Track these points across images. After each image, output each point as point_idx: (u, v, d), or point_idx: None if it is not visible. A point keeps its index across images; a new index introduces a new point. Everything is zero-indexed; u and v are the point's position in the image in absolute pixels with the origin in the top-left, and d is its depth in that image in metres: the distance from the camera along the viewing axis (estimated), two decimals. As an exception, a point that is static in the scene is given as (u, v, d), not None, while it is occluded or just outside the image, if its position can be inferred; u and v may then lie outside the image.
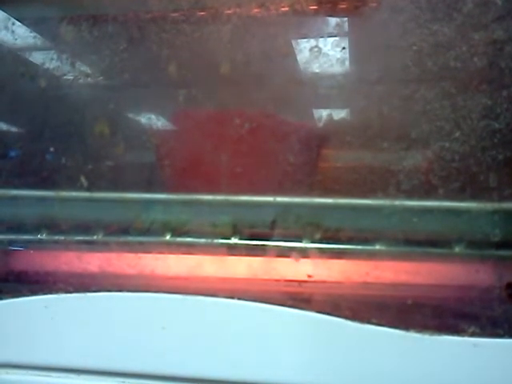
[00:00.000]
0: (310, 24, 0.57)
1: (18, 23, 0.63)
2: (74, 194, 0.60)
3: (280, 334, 0.46)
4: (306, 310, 0.46)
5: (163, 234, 0.58)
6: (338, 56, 0.55)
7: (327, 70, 0.56)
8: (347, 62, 0.56)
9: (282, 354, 0.46)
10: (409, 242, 0.53)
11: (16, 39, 0.63)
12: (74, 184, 0.59)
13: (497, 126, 0.50)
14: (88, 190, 0.59)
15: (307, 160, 0.57)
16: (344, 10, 0.56)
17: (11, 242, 0.64)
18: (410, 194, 0.51)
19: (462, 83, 0.52)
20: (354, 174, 0.54)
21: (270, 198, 0.56)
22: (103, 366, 0.49)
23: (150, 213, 0.59)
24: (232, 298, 0.47)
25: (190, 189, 0.58)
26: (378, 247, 0.54)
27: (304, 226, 0.55)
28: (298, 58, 0.57)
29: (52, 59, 0.61)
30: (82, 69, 0.62)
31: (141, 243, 0.59)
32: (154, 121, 0.63)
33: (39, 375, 0.50)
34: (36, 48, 0.64)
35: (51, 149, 0.61)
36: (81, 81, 0.61)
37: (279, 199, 0.55)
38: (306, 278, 0.55)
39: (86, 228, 0.60)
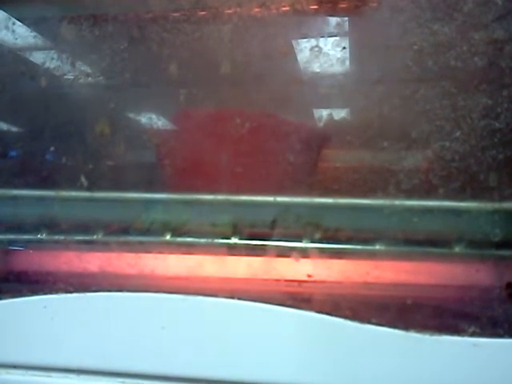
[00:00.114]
0: (311, 24, 0.57)
1: (18, 23, 0.63)
2: (74, 193, 0.60)
3: (280, 334, 0.46)
4: (305, 310, 0.46)
5: (163, 234, 0.58)
6: (339, 56, 0.55)
7: (327, 70, 0.56)
8: (347, 62, 0.56)
9: (281, 354, 0.46)
10: (409, 241, 0.53)
11: (16, 39, 0.63)
12: (74, 184, 0.59)
13: (497, 125, 0.50)
14: (88, 189, 0.59)
15: (307, 160, 0.57)
16: (344, 9, 0.56)
17: (11, 242, 0.64)
18: (410, 194, 0.51)
19: (463, 83, 0.51)
20: (354, 174, 0.54)
21: (270, 198, 0.56)
22: (103, 366, 0.49)
23: (150, 212, 0.59)
24: (232, 297, 0.47)
25: (191, 188, 0.58)
26: (378, 247, 0.54)
27: (304, 225, 0.55)
28: (299, 57, 0.57)
29: (52, 59, 0.61)
30: (82, 68, 0.62)
31: (141, 243, 0.59)
32: (154, 120, 0.63)
33: (39, 375, 0.50)
34: (36, 48, 0.64)
35: (51, 148, 0.61)
36: (81, 80, 0.61)
37: (279, 199, 0.55)
38: (305, 278, 0.55)
39: (86, 228, 0.60)
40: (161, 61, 0.60)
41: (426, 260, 0.55)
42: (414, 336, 0.44)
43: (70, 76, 0.61)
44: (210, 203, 0.57)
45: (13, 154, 0.65)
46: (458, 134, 0.51)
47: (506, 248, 0.50)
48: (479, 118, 0.51)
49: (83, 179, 0.59)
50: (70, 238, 0.60)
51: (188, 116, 0.62)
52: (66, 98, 0.63)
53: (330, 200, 0.54)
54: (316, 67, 0.56)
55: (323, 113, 0.56)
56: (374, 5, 0.55)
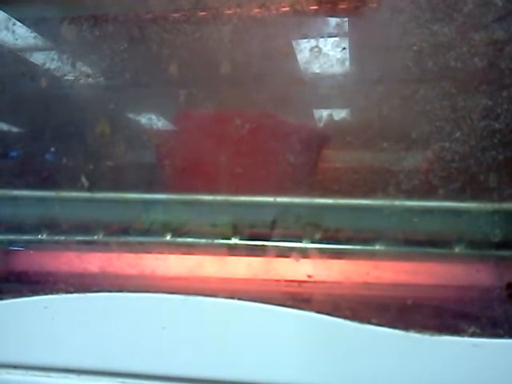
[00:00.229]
0: (311, 24, 0.57)
1: (18, 23, 0.63)
2: (75, 194, 0.60)
3: (280, 334, 0.46)
4: (305, 310, 0.46)
5: (163, 234, 0.58)
6: (339, 56, 0.55)
7: (327, 71, 0.56)
8: (347, 63, 0.56)
9: (281, 354, 0.46)
10: (409, 242, 0.53)
11: (17, 39, 0.63)
12: (74, 184, 0.59)
13: (497, 126, 0.50)
14: (88, 190, 0.59)
15: (307, 160, 0.57)
16: (344, 10, 0.56)
17: (12, 242, 0.64)
18: (410, 194, 0.51)
19: (463, 83, 0.52)
20: (354, 175, 0.54)
21: (270, 199, 0.56)
22: (103, 366, 0.49)
23: (150, 213, 0.59)
24: (232, 298, 0.47)
25: (191, 189, 0.58)
26: (377, 247, 0.54)
27: (304, 226, 0.55)
28: (299, 58, 0.57)
29: (53, 59, 0.61)
30: (82, 69, 0.62)
31: (141, 243, 0.59)
32: (154, 121, 0.63)
33: (39, 375, 0.50)
34: (37, 48, 0.64)
35: (52, 149, 0.62)
36: (81, 81, 0.61)
37: (279, 199, 0.55)
38: (305, 278, 0.55)
39: (86, 228, 0.60)
40: (161, 61, 0.60)
41: (426, 260, 0.55)
42: (413, 336, 0.44)
43: (70, 76, 0.61)
44: (210, 204, 0.57)
45: (13, 154, 0.65)
46: (457, 134, 0.51)
47: (506, 248, 0.50)
48: (479, 119, 0.51)
49: (83, 180, 0.59)
50: (70, 238, 0.60)
51: (188, 116, 0.62)
52: (67, 99, 0.63)
53: (330, 200, 0.54)
54: (316, 68, 0.56)
55: (323, 113, 0.56)
56: (374, 5, 0.55)
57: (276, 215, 0.55)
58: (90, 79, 0.62)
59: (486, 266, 0.53)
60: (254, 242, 0.56)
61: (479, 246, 0.52)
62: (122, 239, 0.59)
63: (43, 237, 0.61)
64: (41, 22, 0.65)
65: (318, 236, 0.55)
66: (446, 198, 0.51)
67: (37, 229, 0.61)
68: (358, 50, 0.57)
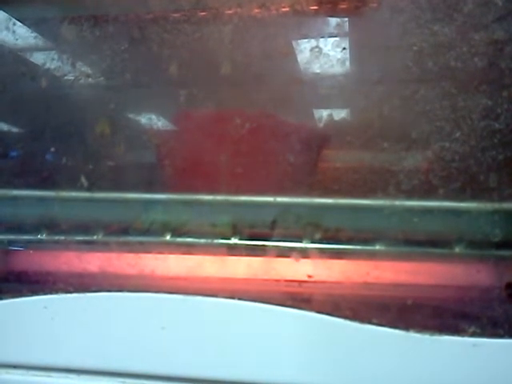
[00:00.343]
0: (311, 24, 0.57)
1: (18, 23, 0.63)
2: (75, 194, 0.60)
3: (280, 334, 0.46)
4: (306, 310, 0.46)
5: (163, 234, 0.58)
6: (339, 56, 0.55)
7: (328, 71, 0.56)
8: (348, 63, 0.56)
9: (282, 354, 0.46)
10: (409, 242, 0.53)
11: (17, 39, 0.63)
12: (74, 184, 0.59)
13: (497, 126, 0.50)
14: (88, 190, 0.59)
15: (307, 160, 0.57)
16: (344, 10, 0.56)
17: (11, 242, 0.64)
18: (410, 194, 0.51)
19: (463, 83, 0.52)
20: (354, 174, 0.54)
21: (270, 198, 0.56)
22: (103, 366, 0.49)
23: (150, 213, 0.59)
24: (232, 298, 0.47)
25: (190, 189, 0.58)
26: (378, 247, 0.54)
27: (304, 226, 0.55)
28: (299, 58, 0.57)
29: (53, 59, 0.61)
30: (82, 69, 0.62)
31: (141, 243, 0.59)
32: (154, 121, 0.63)
33: (39, 375, 0.50)
34: (37, 48, 0.64)
35: (52, 149, 0.62)
36: (82, 81, 0.61)
37: (279, 199, 0.55)
38: (306, 278, 0.55)
39: (86, 228, 0.60)
40: (161, 61, 0.60)
41: (426, 260, 0.55)
42: (414, 336, 0.44)
43: (70, 76, 0.61)
44: (210, 203, 0.57)
45: (13, 154, 0.65)
46: (457, 134, 0.51)
47: (505, 248, 0.50)
48: (479, 119, 0.51)
49: (83, 179, 0.59)
50: (70, 238, 0.60)
51: (188, 116, 0.62)
52: (67, 99, 0.63)
53: (330, 200, 0.54)
54: (316, 68, 0.56)
55: (323, 113, 0.56)
56: (374, 5, 0.56)
57: (276, 215, 0.55)
58: (90, 79, 0.62)
59: (486, 266, 0.53)
60: (253, 242, 0.56)
61: (479, 246, 0.52)
62: (122, 239, 0.59)
63: (43, 237, 0.61)
64: (41, 22, 0.65)
65: (318, 236, 0.55)
66: (446, 197, 0.51)
67: (36, 229, 0.61)
68: (359, 50, 0.57)
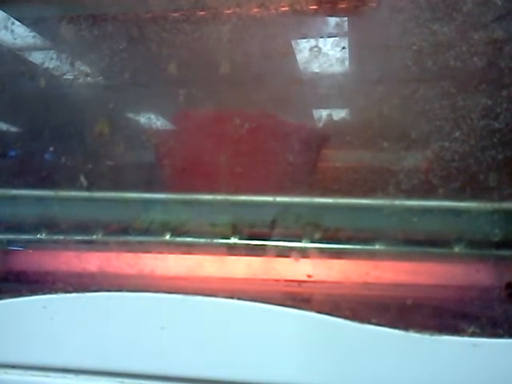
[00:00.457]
0: (310, 24, 0.57)
1: (17, 23, 0.63)
2: (74, 193, 0.60)
3: (280, 334, 0.46)
4: (305, 310, 0.46)
5: (163, 234, 0.58)
6: (338, 56, 0.55)
7: (327, 70, 0.56)
8: (347, 62, 0.56)
9: (281, 354, 0.46)
10: (409, 241, 0.53)
11: (16, 39, 0.63)
12: (73, 184, 0.59)
13: (496, 125, 0.50)
14: (87, 189, 0.59)
15: (307, 160, 0.57)
16: (344, 9, 0.56)
17: (10, 242, 0.64)
18: (409, 194, 0.51)
19: (462, 83, 0.52)
20: (353, 174, 0.54)
21: (269, 198, 0.56)
22: (102, 366, 0.49)
23: (149, 212, 0.59)
24: (231, 297, 0.47)
25: (190, 189, 0.58)
26: (377, 247, 0.54)
27: (304, 225, 0.55)
28: (298, 57, 0.57)
29: (52, 59, 0.61)
30: (81, 68, 0.61)
31: (140, 243, 0.59)
32: (153, 120, 0.62)
33: (38, 375, 0.50)
34: (36, 48, 0.64)
35: (51, 148, 0.61)
36: (80, 80, 0.61)
37: (279, 199, 0.55)
38: (305, 278, 0.55)
39: (85, 228, 0.60)
40: (160, 61, 0.60)
41: (426, 260, 0.55)
42: (413, 336, 0.44)
43: (69, 76, 0.61)
44: (210, 203, 0.57)
45: (12, 153, 0.65)
46: (457, 134, 0.51)
47: (505, 248, 0.50)
48: (479, 118, 0.51)
49: (82, 179, 0.59)
50: (69, 237, 0.60)
51: (187, 116, 0.62)
52: (66, 98, 0.63)
53: (329, 200, 0.54)
54: (315, 67, 0.56)
55: (323, 113, 0.56)
56: (374, 5, 0.55)
57: (276, 215, 0.55)
58: (89, 79, 0.62)
59: (486, 266, 0.53)
60: (253, 242, 0.56)
61: (479, 246, 0.52)
62: (121, 239, 0.59)
63: (42, 236, 0.61)
64: (40, 21, 0.65)
65: (317, 236, 0.55)
66: (446, 197, 0.51)
67: (36, 228, 0.61)
68: (358, 50, 0.57)
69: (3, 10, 0.63)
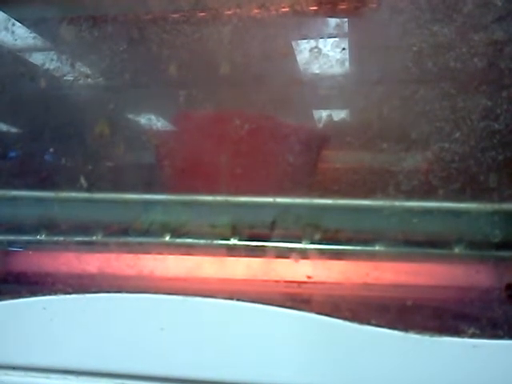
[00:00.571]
0: (310, 25, 0.57)
1: (17, 24, 0.63)
2: (74, 194, 0.60)
3: (279, 335, 0.46)
4: (305, 311, 0.46)
5: (162, 235, 0.58)
6: (338, 57, 0.55)
7: (327, 71, 0.56)
8: (347, 63, 0.56)
9: (281, 355, 0.46)
10: (409, 242, 0.53)
11: (16, 40, 0.63)
12: (73, 185, 0.59)
13: (496, 126, 0.50)
14: (87, 190, 0.59)
15: (307, 161, 0.57)
16: (344, 10, 0.56)
17: (10, 243, 0.64)
18: (409, 195, 0.51)
19: (462, 84, 0.51)
20: (353, 175, 0.54)
21: (269, 199, 0.56)
22: (102, 367, 0.49)
23: (149, 213, 0.59)
24: (231, 299, 0.47)
25: (190, 190, 0.58)
26: (377, 248, 0.54)
27: (304, 226, 0.55)
28: (298, 58, 0.57)
29: (52, 60, 0.61)
30: (82, 69, 0.61)
31: (140, 244, 0.59)
32: (153, 121, 0.63)
33: (38, 377, 0.50)
34: (36, 49, 0.64)
35: (51, 149, 0.61)
36: (81, 81, 0.61)
37: (279, 200, 0.55)
38: (305, 279, 0.55)
39: (85, 229, 0.60)
40: (160, 62, 0.60)
41: (426, 261, 0.55)
42: (413, 337, 0.43)
43: (69, 77, 0.61)
44: (210, 204, 0.57)
45: (12, 154, 0.65)
46: (457, 135, 0.51)
47: (505, 249, 0.50)
48: (479, 119, 0.51)
49: (83, 180, 0.59)
50: (69, 238, 0.60)
51: (187, 117, 0.62)
52: (66, 99, 0.63)
53: (329, 201, 0.54)
54: (315, 68, 0.56)
55: (323, 114, 0.56)
56: (374, 6, 0.55)
57: (275, 216, 0.55)
58: (89, 80, 0.62)
59: (486, 267, 0.53)
60: (253, 243, 0.56)
61: (479, 247, 0.52)
62: (121, 240, 0.59)
63: (42, 237, 0.61)
64: (40, 22, 0.65)
65: (317, 237, 0.55)
66: (446, 198, 0.51)
67: (36, 229, 0.61)
68: (358, 51, 0.57)
69: (4, 11, 0.64)
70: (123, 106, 0.63)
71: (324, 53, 0.55)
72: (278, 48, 0.57)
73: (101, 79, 0.63)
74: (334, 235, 0.54)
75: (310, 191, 0.55)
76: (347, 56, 0.55)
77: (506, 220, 0.50)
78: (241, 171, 0.57)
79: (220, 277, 0.58)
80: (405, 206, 0.52)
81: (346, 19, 0.57)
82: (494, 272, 0.53)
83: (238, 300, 0.47)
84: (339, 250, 0.55)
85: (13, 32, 0.63)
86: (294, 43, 0.57)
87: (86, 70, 0.62)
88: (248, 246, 0.56)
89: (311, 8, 0.57)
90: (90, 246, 0.60)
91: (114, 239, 0.59)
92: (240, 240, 0.56)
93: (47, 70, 0.62)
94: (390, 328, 0.44)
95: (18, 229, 0.62)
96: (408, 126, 0.53)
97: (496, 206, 0.50)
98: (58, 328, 0.50)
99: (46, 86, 0.62)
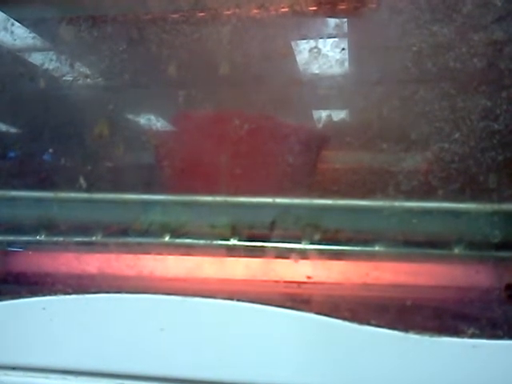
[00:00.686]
0: (310, 25, 0.57)
1: (17, 24, 0.63)
2: (73, 194, 0.60)
3: (279, 336, 0.46)
4: (305, 312, 0.46)
5: (162, 235, 0.58)
6: (338, 57, 0.55)
7: (327, 71, 0.56)
8: (346, 63, 0.56)
9: (280, 356, 0.46)
10: (408, 243, 0.53)
11: (15, 40, 0.63)
12: (72, 185, 0.59)
13: (496, 127, 0.50)
14: (87, 190, 0.59)
15: (306, 161, 0.57)
16: (343, 10, 0.56)
17: (10, 243, 0.64)
18: (409, 195, 0.51)
19: (462, 84, 0.52)
20: (353, 175, 0.54)
21: (269, 199, 0.56)
22: (101, 367, 0.49)
23: (149, 214, 0.59)
24: (231, 299, 0.47)
25: (189, 190, 0.58)
26: (377, 248, 0.54)
27: (303, 227, 0.55)
28: (298, 59, 0.57)
29: (51, 60, 0.61)
30: (81, 70, 0.61)
31: (140, 244, 0.59)
32: (153, 122, 0.62)
33: (37, 377, 0.50)
34: (35, 49, 0.64)
35: (50, 150, 0.61)
36: (80, 81, 0.61)
37: (278, 200, 0.55)
38: (305, 279, 0.55)
39: (84, 229, 0.60)
40: (160, 62, 0.60)
41: (426, 261, 0.55)
42: (413, 337, 0.43)
43: (69, 77, 0.61)
44: (209, 204, 0.57)
45: (11, 154, 0.65)
46: (457, 135, 0.51)
47: (505, 249, 0.50)
48: (478, 120, 0.51)
49: (82, 180, 0.59)
50: (68, 239, 0.60)
51: (187, 117, 0.62)
52: (65, 99, 0.63)
53: (329, 201, 0.54)
54: (315, 68, 0.56)
55: (322, 114, 0.56)
56: (373, 6, 0.55)
57: (275, 216, 0.55)
58: (88, 80, 0.62)
59: (486, 267, 0.53)
60: (253, 243, 0.56)
61: (479, 247, 0.52)
62: (121, 240, 0.59)
63: (41, 238, 0.61)
64: (39, 22, 0.65)
65: (317, 237, 0.54)
66: (446, 198, 0.51)
67: (35, 230, 0.61)
68: (358, 51, 0.57)
69: (3, 11, 0.63)
70: (123, 106, 0.63)
71: (323, 53, 0.55)
72: (278, 48, 0.57)
73: (100, 79, 0.63)
74: (333, 235, 0.54)
75: (310, 191, 0.55)
76: (347, 56, 0.55)
77: (505, 220, 0.50)
78: (240, 171, 0.57)
79: (219, 277, 0.58)
80: (404, 206, 0.52)
81: (345, 19, 0.57)
82: (493, 272, 0.53)
83: (237, 300, 0.47)
84: (339, 250, 0.55)
85: (12, 32, 0.63)
86: (293, 43, 0.57)
87: (85, 70, 0.62)
88: (247, 246, 0.56)
89: (311, 8, 0.57)
90: (90, 247, 0.60)
91: (113, 239, 0.59)
92: (239, 240, 0.56)
93: (47, 70, 0.62)
94: (389, 328, 0.44)
95: (18, 229, 0.62)
96: (408, 126, 0.53)
97: (496, 207, 0.50)
98: (57, 328, 0.50)
99: (45, 86, 0.62)
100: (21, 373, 0.50)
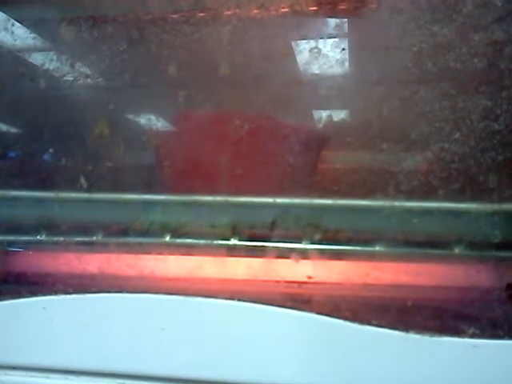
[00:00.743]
0: (310, 25, 0.57)
1: (17, 24, 0.63)
2: (74, 194, 0.60)
3: (280, 336, 0.46)
4: (305, 312, 0.46)
5: (163, 235, 0.58)
6: (338, 57, 0.55)
7: (327, 71, 0.56)
8: (347, 63, 0.56)
9: (281, 356, 0.46)
10: (409, 243, 0.53)
11: (16, 40, 0.63)
12: (73, 185, 0.59)
13: (496, 127, 0.50)
14: (87, 190, 0.59)
15: (307, 161, 0.57)
16: (344, 10, 0.56)
17: (10, 243, 0.64)
18: (409, 195, 0.51)
19: (462, 84, 0.52)
20: (353, 175, 0.54)
21: (269, 199, 0.56)
22: (102, 367, 0.49)
23: (149, 214, 0.59)
24: (232, 299, 0.47)
25: (190, 190, 0.58)
26: (377, 248, 0.54)
27: (304, 226, 0.55)
28: (298, 59, 0.57)
29: (52, 60, 0.61)
30: (81, 70, 0.61)
31: (140, 244, 0.59)
32: (153, 122, 0.62)
33: (38, 376, 0.50)
34: (36, 49, 0.64)
35: (51, 150, 0.61)
36: (80, 82, 0.61)
37: (279, 200, 0.55)
38: (305, 279, 0.55)
39: (85, 229, 0.60)
40: (160, 62, 0.60)
41: (426, 261, 0.55)
42: (413, 337, 0.44)
43: (69, 77, 0.61)
44: (210, 204, 0.57)
45: (12, 154, 0.65)
46: (457, 135, 0.51)
47: (505, 249, 0.51)
48: (479, 120, 0.51)
49: (82, 180, 0.59)
50: (69, 239, 0.60)
51: (187, 117, 0.62)
52: (66, 100, 0.63)
53: (329, 201, 0.54)
54: (315, 68, 0.56)
55: (323, 114, 0.56)
56: (374, 6, 0.55)
57: (275, 216, 0.55)
58: (89, 80, 0.62)
59: (486, 267, 0.53)
60: (253, 243, 0.56)
61: (479, 247, 0.52)
62: (121, 240, 0.59)
63: (42, 237, 0.61)
64: (40, 22, 0.65)
65: (317, 237, 0.55)
66: (446, 198, 0.51)
67: (35, 229, 0.61)
68: (358, 51, 0.57)
69: (3, 11, 0.63)
70: (123, 107, 0.63)
71: (324, 53, 0.55)
72: (278, 48, 0.57)
73: (100, 79, 0.63)
74: (334, 235, 0.54)
75: (310, 191, 0.55)
76: (347, 56, 0.55)
77: (505, 220, 0.50)
78: (241, 171, 0.57)
79: (220, 277, 0.58)
80: (405, 206, 0.52)
81: (345, 19, 0.57)
82: (494, 272, 0.53)
83: (238, 300, 0.47)
84: (339, 250, 0.55)
85: (12, 32, 0.63)
86: (293, 43, 0.57)
87: (85, 70, 0.62)
88: (248, 246, 0.56)
89: (311, 8, 0.57)
90: (90, 247, 0.60)
91: (114, 239, 0.59)
92: (240, 240, 0.56)
93: (47, 70, 0.62)
94: (390, 328, 0.44)
95: (18, 229, 0.62)
96: (408, 126, 0.53)
97: (496, 207, 0.50)
98: (58, 328, 0.50)
99: (45, 86, 0.62)
100: (22, 372, 0.50)
